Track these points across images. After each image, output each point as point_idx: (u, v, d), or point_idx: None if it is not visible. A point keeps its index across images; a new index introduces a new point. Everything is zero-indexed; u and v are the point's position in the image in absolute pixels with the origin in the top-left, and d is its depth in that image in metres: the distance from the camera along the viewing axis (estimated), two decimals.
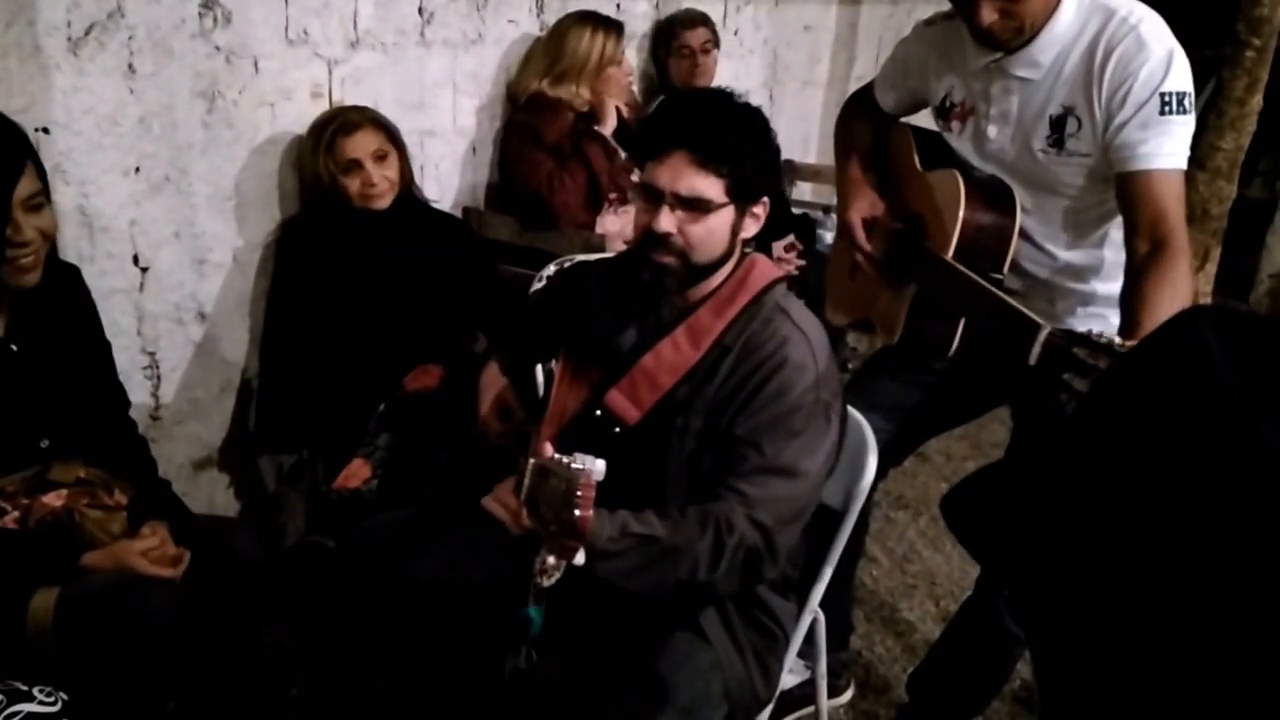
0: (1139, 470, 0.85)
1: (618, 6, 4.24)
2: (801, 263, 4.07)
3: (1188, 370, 0.84)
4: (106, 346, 2.37)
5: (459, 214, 3.78)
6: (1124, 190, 2.20)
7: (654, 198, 2.01)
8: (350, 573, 2.33)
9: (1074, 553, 0.91)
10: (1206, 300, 5.08)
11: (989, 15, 2.18)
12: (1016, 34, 2.23)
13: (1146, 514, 0.84)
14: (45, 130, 2.60)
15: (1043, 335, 1.84)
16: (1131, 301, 2.11)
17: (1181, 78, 2.16)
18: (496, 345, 2.71)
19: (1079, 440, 0.95)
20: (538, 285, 3.04)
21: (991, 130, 2.39)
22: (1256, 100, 4.61)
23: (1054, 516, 0.93)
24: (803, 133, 5.60)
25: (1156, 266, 2.10)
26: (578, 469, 1.66)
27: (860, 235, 2.60)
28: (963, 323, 2.27)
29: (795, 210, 4.74)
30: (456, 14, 3.60)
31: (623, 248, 3.37)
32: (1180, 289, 2.08)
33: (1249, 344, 0.85)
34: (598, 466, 1.67)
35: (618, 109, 3.78)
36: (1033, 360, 1.85)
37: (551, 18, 3.89)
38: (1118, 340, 1.71)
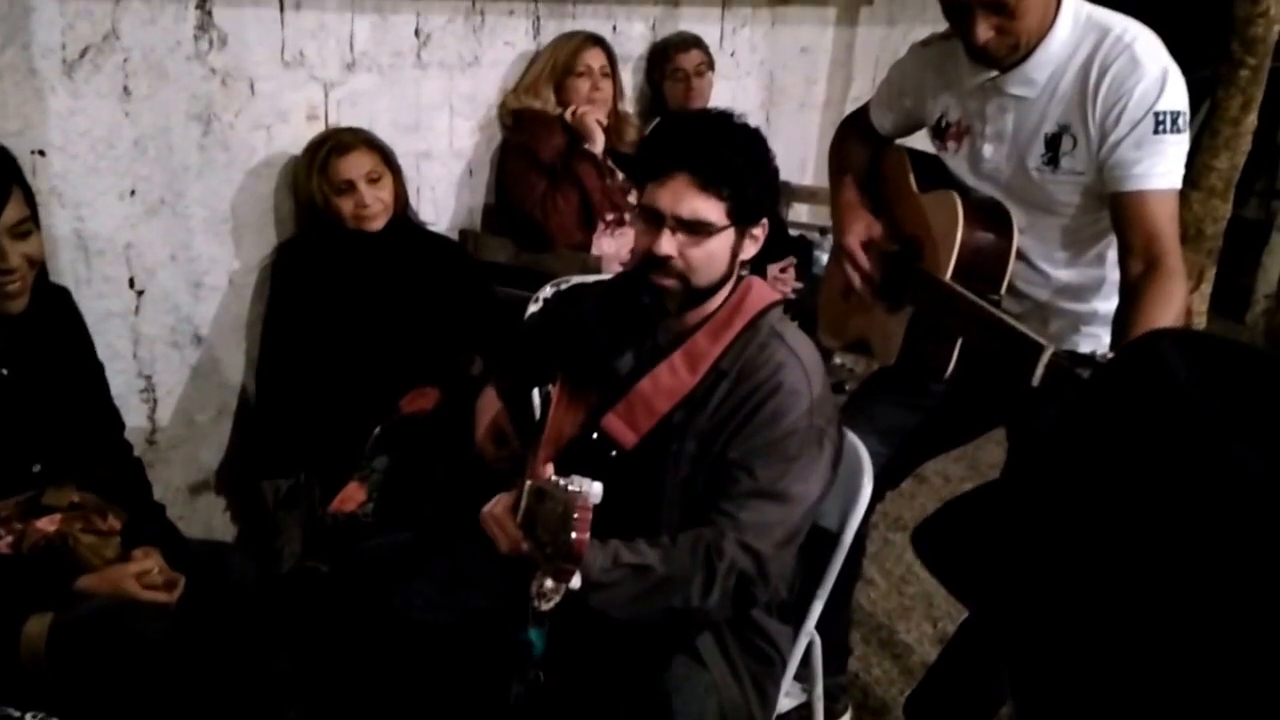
0: (1108, 495, 0.86)
1: (614, 28, 4.24)
2: (799, 284, 4.07)
3: (1152, 392, 0.85)
4: (99, 369, 2.37)
5: (455, 236, 3.78)
6: (1118, 210, 2.21)
7: (655, 220, 1.99)
8: (346, 598, 2.32)
9: (1047, 579, 0.91)
10: (1201, 320, 5.08)
11: (984, 33, 2.19)
12: (1012, 51, 2.24)
13: (1118, 539, 0.85)
14: (41, 153, 2.61)
15: (1046, 356, 1.83)
16: (1126, 323, 2.10)
17: (1175, 97, 2.16)
18: (493, 369, 2.71)
19: (1048, 467, 0.96)
20: (534, 308, 3.03)
21: (987, 149, 2.39)
22: (1251, 119, 4.61)
23: (1026, 544, 0.94)
24: (799, 154, 5.60)
25: (1151, 287, 2.10)
26: (575, 491, 1.66)
27: (862, 258, 2.58)
28: (959, 344, 2.27)
29: (792, 232, 4.73)
30: (453, 36, 3.60)
31: (619, 269, 3.37)
32: (1175, 309, 2.08)
33: (1212, 364, 0.85)
34: (595, 489, 1.67)
35: (600, 124, 3.75)
36: (1036, 382, 1.85)
37: (548, 39, 3.89)
38: None
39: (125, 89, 2.74)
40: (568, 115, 3.72)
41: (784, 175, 5.13)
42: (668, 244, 1.97)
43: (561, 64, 3.75)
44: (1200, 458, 0.79)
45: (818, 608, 2.28)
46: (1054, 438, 0.97)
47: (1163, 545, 0.81)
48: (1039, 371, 1.84)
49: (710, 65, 4.36)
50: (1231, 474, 0.77)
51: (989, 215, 2.36)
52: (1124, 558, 0.83)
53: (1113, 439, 0.87)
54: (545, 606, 1.77)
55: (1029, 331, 1.95)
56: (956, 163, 2.49)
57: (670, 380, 2.04)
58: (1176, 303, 2.09)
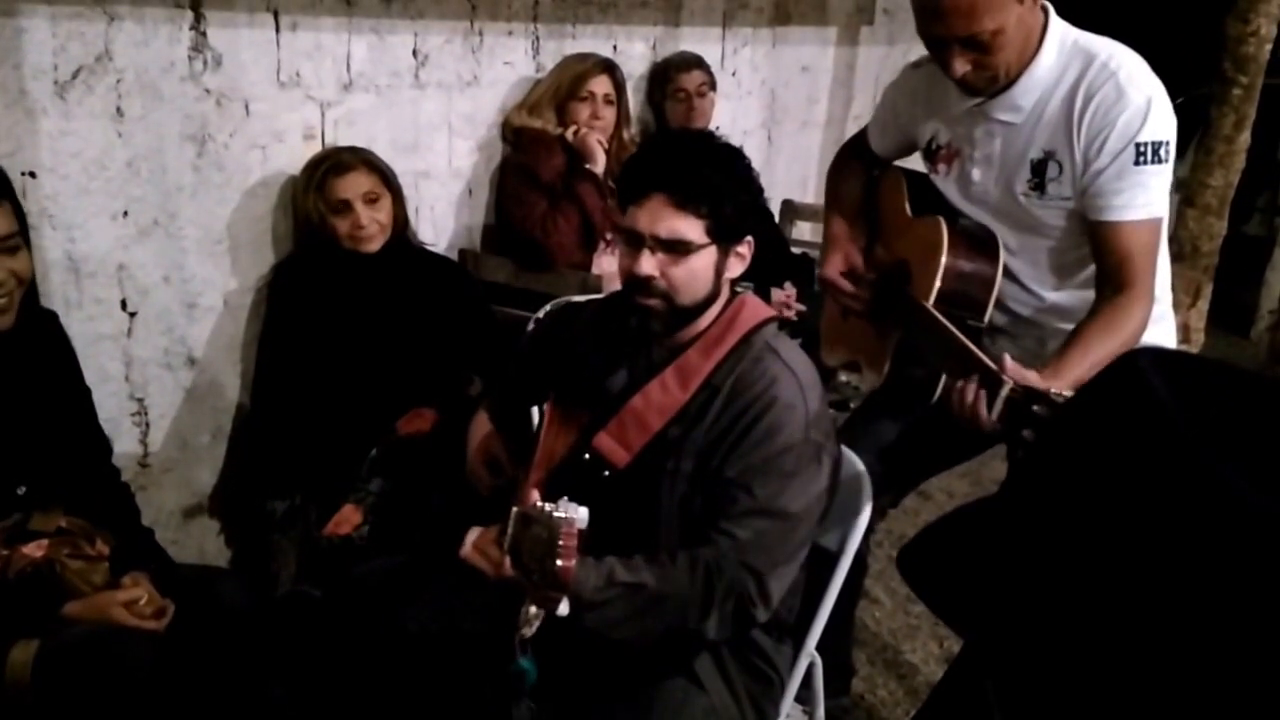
0: (1091, 515, 0.86)
1: (614, 48, 4.23)
2: (801, 307, 4.05)
3: (1132, 408, 0.85)
4: (86, 392, 2.34)
5: (455, 256, 3.76)
6: (1095, 237, 2.23)
7: (635, 241, 2.00)
8: (339, 622, 2.29)
9: (1032, 601, 0.91)
10: (1200, 337, 5.08)
11: (961, 67, 2.19)
12: (991, 83, 2.24)
13: (1103, 558, 0.85)
14: (31, 174, 2.59)
15: (1004, 391, 1.86)
16: (1071, 336, 2.18)
17: (1158, 127, 2.16)
18: (488, 390, 2.69)
19: (1031, 487, 0.96)
20: (531, 328, 3.01)
21: (976, 173, 2.39)
22: (1244, 137, 4.67)
23: (1013, 565, 0.93)
24: (801, 173, 5.59)
25: (1107, 309, 2.17)
26: (560, 517, 1.64)
27: (844, 285, 2.62)
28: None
29: (795, 250, 4.72)
30: (451, 56, 3.59)
31: (618, 288, 3.35)
32: (1123, 333, 2.14)
33: (1193, 383, 0.86)
34: (580, 514, 1.65)
35: (601, 144, 3.73)
36: (994, 415, 1.88)
37: (547, 59, 3.89)
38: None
39: (118, 110, 2.73)
40: (569, 135, 3.71)
41: (786, 193, 5.15)
42: (648, 264, 1.97)
43: (566, 87, 3.74)
44: (1182, 476, 0.79)
45: (818, 628, 2.25)
46: (1038, 459, 0.97)
47: (1148, 563, 0.80)
48: (997, 406, 1.87)
49: (712, 85, 4.36)
50: (1214, 492, 0.77)
51: (975, 243, 2.37)
52: (1110, 576, 0.83)
53: (1095, 459, 0.87)
54: (529, 633, 1.76)
55: (991, 364, 1.95)
56: (947, 185, 2.49)
57: (661, 397, 2.02)
58: (1129, 327, 2.15)
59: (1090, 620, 0.84)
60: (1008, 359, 1.95)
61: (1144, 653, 0.81)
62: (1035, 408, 1.78)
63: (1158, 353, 0.90)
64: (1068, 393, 1.76)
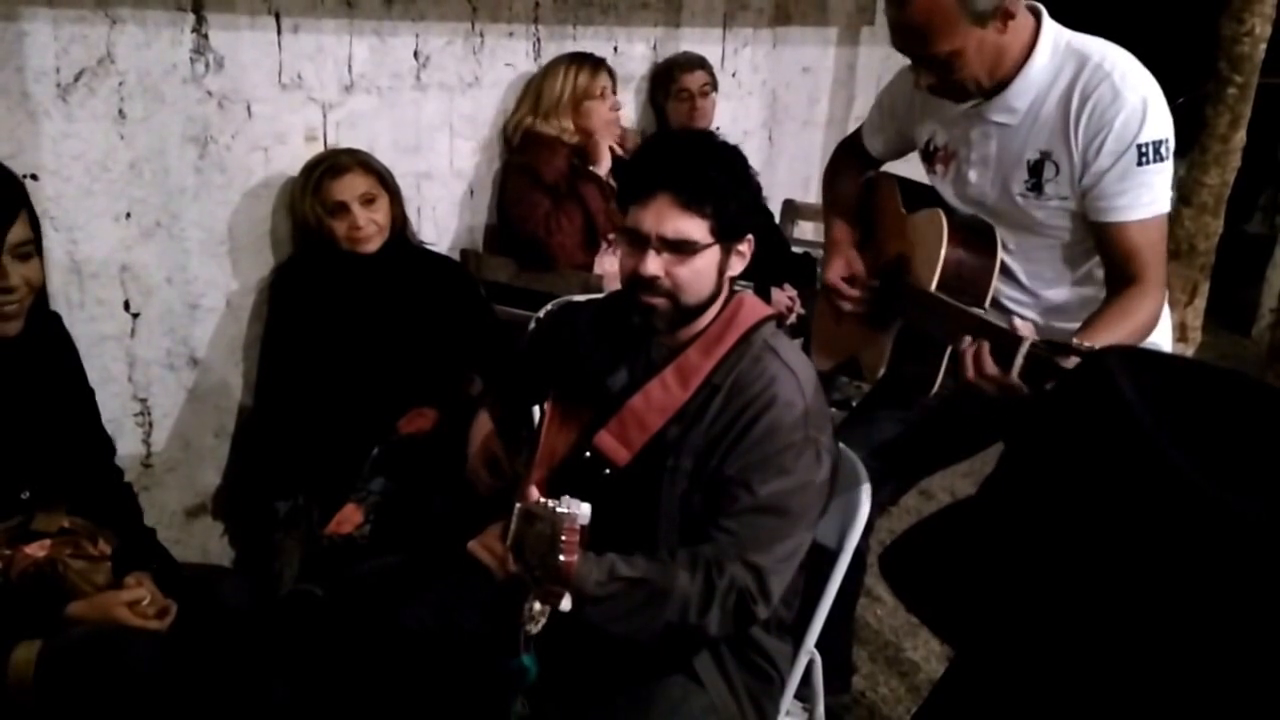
0: (1060, 511, 0.86)
1: (615, 49, 4.24)
2: (801, 311, 4.05)
3: (1099, 407, 0.86)
4: (90, 394, 2.34)
5: (457, 256, 3.77)
6: (1102, 238, 2.24)
7: (639, 241, 2.00)
8: (342, 621, 2.30)
9: (1009, 600, 0.91)
10: (1197, 335, 5.08)
11: (925, 79, 2.23)
12: (964, 94, 2.26)
13: (1073, 552, 0.85)
14: (34, 176, 2.60)
15: (1025, 347, 1.86)
16: (1084, 325, 2.17)
17: (1157, 125, 2.16)
18: (490, 390, 2.69)
19: (1004, 488, 0.96)
20: (532, 327, 3.02)
21: (972, 174, 2.40)
22: (1240, 136, 4.69)
23: (986, 567, 0.94)
24: (803, 173, 5.59)
25: (1118, 300, 2.18)
26: (562, 513, 1.65)
27: (844, 289, 2.63)
28: (946, 360, 2.26)
29: (796, 249, 4.72)
30: (452, 57, 3.60)
31: (619, 288, 3.36)
32: (1134, 320, 2.15)
33: (1158, 379, 0.86)
34: (583, 510, 1.66)
35: (612, 149, 3.76)
36: (1016, 372, 1.87)
37: (549, 61, 3.89)
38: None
39: (120, 112, 2.74)
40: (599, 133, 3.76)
41: (787, 194, 5.16)
42: (654, 264, 1.98)
43: (580, 90, 3.74)
44: (1146, 474, 0.80)
45: (817, 625, 2.25)
46: (1011, 460, 0.98)
47: (1115, 559, 0.81)
48: (1019, 362, 1.87)
49: (714, 85, 4.37)
50: (1177, 489, 0.78)
51: (973, 232, 2.38)
52: (1080, 574, 0.84)
53: (1063, 458, 0.89)
54: (534, 629, 1.76)
55: (1006, 326, 1.96)
56: (944, 186, 2.50)
57: (662, 396, 2.03)
58: (1142, 314, 2.16)
59: (1064, 619, 0.85)
60: (1017, 320, 1.96)
61: (1117, 649, 0.82)
62: (1058, 360, 1.79)
63: (1126, 352, 0.92)
64: (1088, 344, 1.76)
